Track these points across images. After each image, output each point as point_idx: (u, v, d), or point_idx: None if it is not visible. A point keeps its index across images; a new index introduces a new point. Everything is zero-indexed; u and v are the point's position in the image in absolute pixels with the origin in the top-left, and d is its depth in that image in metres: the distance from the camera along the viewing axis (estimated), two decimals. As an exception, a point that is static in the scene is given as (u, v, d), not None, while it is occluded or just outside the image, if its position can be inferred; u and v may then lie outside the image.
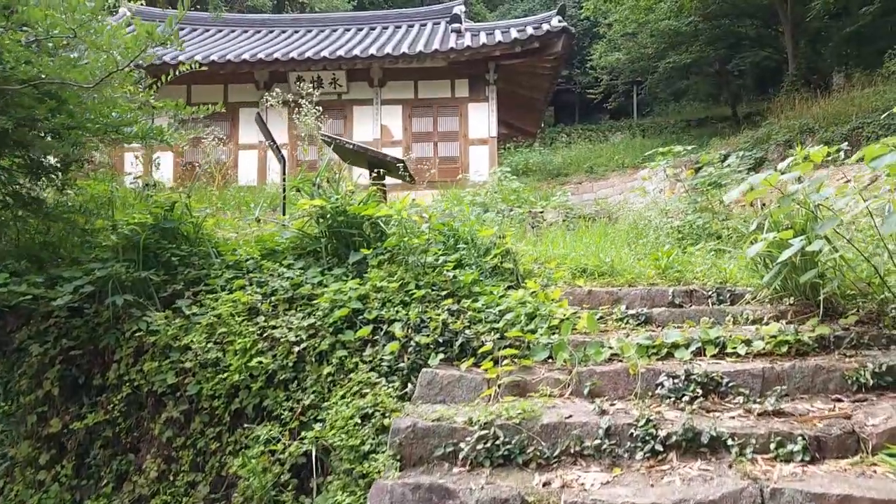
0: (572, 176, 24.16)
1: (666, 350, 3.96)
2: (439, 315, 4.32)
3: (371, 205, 5.21)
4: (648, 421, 3.24)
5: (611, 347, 4.03)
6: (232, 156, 16.93)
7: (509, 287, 5.04)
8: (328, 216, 5.08)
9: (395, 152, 16.82)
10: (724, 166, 10.40)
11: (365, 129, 16.87)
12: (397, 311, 4.41)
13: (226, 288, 4.82)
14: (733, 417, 3.33)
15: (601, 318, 4.61)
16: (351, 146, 5.75)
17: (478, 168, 16.62)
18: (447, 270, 4.83)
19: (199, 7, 24.73)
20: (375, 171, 6.11)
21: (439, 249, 5.12)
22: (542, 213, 13.60)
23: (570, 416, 3.36)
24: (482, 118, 16.79)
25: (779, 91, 22.55)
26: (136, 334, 4.61)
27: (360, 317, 4.44)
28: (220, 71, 16.20)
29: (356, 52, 16.02)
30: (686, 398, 3.49)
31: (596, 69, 26.07)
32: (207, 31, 19.40)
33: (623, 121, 28.85)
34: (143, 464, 4.47)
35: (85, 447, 4.70)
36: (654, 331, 4.39)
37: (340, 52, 15.99)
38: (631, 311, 4.59)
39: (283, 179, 6.76)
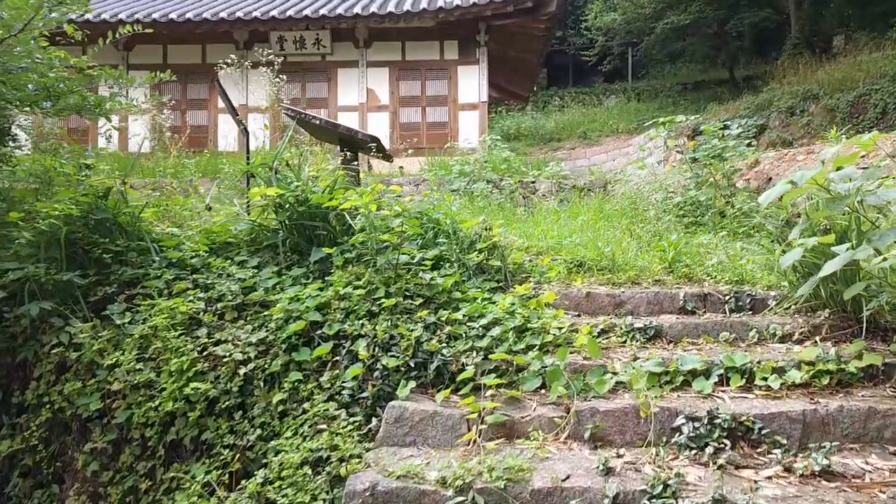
0: (565, 141, 23.30)
1: (682, 378, 3.26)
2: (412, 331, 3.60)
3: (338, 192, 4.44)
4: (666, 486, 2.54)
5: (615, 373, 3.33)
6: (211, 119, 16.05)
7: (496, 289, 4.32)
8: (287, 206, 4.32)
9: (382, 117, 16.00)
10: (726, 136, 9.65)
11: (350, 92, 15.97)
12: (362, 325, 3.69)
13: (165, 291, 4.09)
14: (770, 478, 2.64)
15: (603, 331, 3.89)
16: (317, 122, 4.97)
17: (467, 134, 15.79)
18: (423, 271, 4.10)
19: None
20: (344, 149, 5.30)
21: (415, 246, 4.38)
22: (533, 182, 12.83)
23: (568, 475, 2.66)
24: (472, 82, 15.89)
25: (779, 54, 21.67)
26: (57, 348, 3.89)
27: (320, 331, 3.72)
28: (196, 30, 15.22)
29: (340, 10, 15.04)
30: (710, 449, 2.79)
31: (591, 30, 24.98)
32: (185, -13, 18.28)
33: (618, 84, 27.84)
34: (66, 500, 3.79)
35: (4, 474, 4.01)
36: (665, 349, 3.69)
37: (324, 11, 15.01)
38: (637, 324, 3.87)
39: (247, 154, 5.96)
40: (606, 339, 3.83)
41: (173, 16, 14.81)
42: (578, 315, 4.27)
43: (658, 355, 3.47)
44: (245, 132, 6.18)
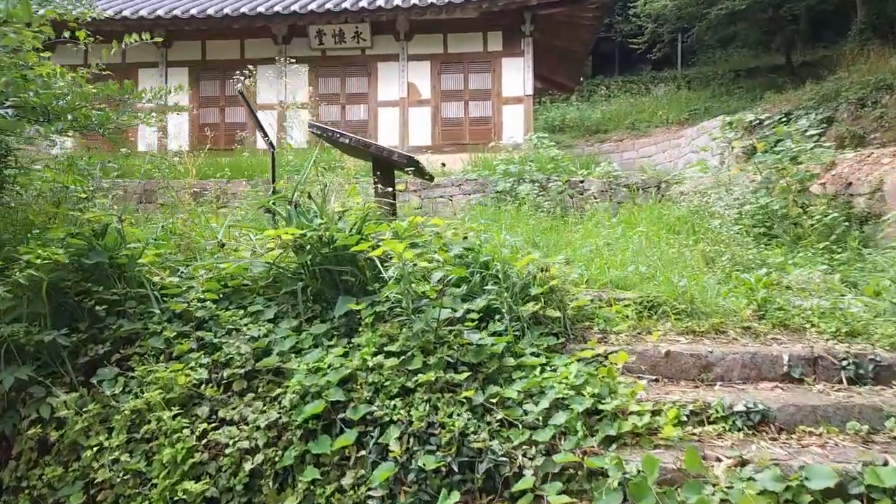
0: (612, 132, 22.23)
1: (809, 500, 2.46)
2: (455, 418, 2.85)
3: (368, 228, 3.70)
4: None
5: (716, 485, 2.54)
6: (248, 116, 15.45)
7: (556, 347, 3.55)
8: (309, 248, 3.59)
9: (423, 112, 15.21)
10: (795, 132, 8.67)
11: (390, 87, 15.21)
12: (394, 408, 2.95)
13: (166, 352, 3.41)
14: None
15: (692, 412, 3.08)
16: (347, 140, 4.23)
17: (511, 129, 14.93)
18: (469, 329, 3.35)
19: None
20: (378, 172, 4.52)
21: (459, 293, 3.62)
22: (582, 182, 11.95)
23: None
24: (517, 74, 14.99)
25: (839, 39, 20.26)
26: (37, 425, 3.24)
27: (343, 414, 2.99)
28: (233, 25, 14.61)
29: (380, 2, 14.26)
30: None
31: (640, 17, 23.75)
32: (224, -20, 17.69)
33: (666, 71, 26.54)
34: None
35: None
36: (776, 442, 2.87)
37: (363, 3, 14.25)
38: (737, 405, 3.04)
39: (272, 172, 5.24)
40: (698, 425, 3.02)
41: (211, 11, 14.22)
42: (657, 379, 3.48)
43: (770, 455, 2.66)
44: (271, 146, 5.49)
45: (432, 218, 3.98)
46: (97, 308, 3.53)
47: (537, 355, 3.36)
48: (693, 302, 4.22)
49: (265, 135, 5.23)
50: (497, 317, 3.60)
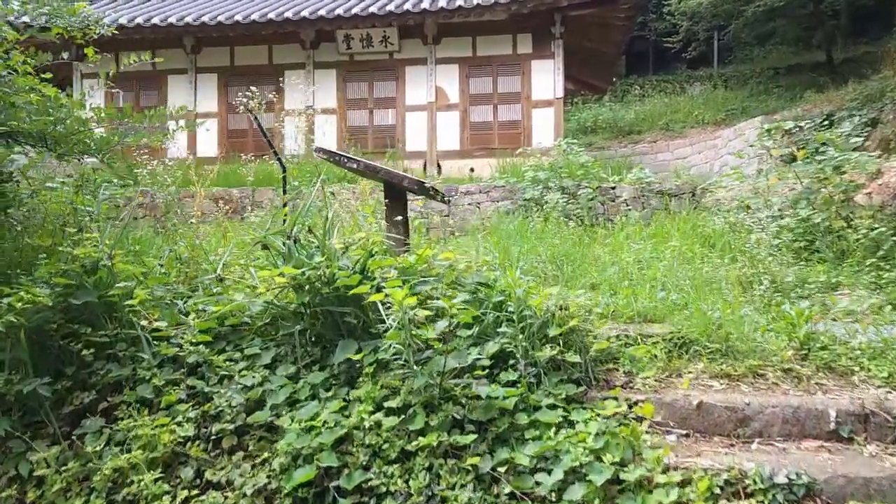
0: (646, 133, 21.66)
1: None
2: (458, 490, 2.54)
3: (374, 264, 3.40)
4: None
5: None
6: (277, 122, 15.29)
7: (575, 397, 3.21)
8: (308, 287, 3.31)
9: (451, 117, 14.89)
10: (837, 137, 8.16)
11: (418, 91, 14.92)
12: (392, 475, 2.65)
13: (151, 403, 3.16)
14: None
15: (727, 482, 2.72)
16: (355, 165, 3.94)
17: (541, 133, 14.54)
18: (478, 379, 3.04)
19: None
20: (389, 196, 4.20)
21: (468, 335, 3.30)
22: (613, 189, 11.53)
23: None
24: (547, 77, 14.59)
25: (886, 33, 19.46)
26: (16, 482, 3.01)
27: (336, 481, 2.70)
28: (261, 31, 14.46)
29: (407, 6, 13.97)
30: None
31: (674, 15, 23.12)
32: (253, -14, 17.57)
33: (702, 70, 25.83)
34: None
35: None
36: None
37: (390, 7, 13.98)
38: (778, 477, 2.67)
39: (284, 191, 4.96)
40: (733, 497, 2.67)
41: (238, 17, 14.07)
42: (687, 434, 3.13)
43: (817, 543, 2.31)
44: (283, 168, 5.22)
45: (443, 251, 3.66)
46: (84, 352, 3.29)
47: (554, 408, 3.04)
48: (728, 339, 3.85)
49: (275, 154, 4.96)
50: (511, 362, 3.28)
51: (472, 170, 14.51)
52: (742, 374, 3.58)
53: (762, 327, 4.04)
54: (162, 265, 4.37)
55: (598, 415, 2.95)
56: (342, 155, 4.10)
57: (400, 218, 3.93)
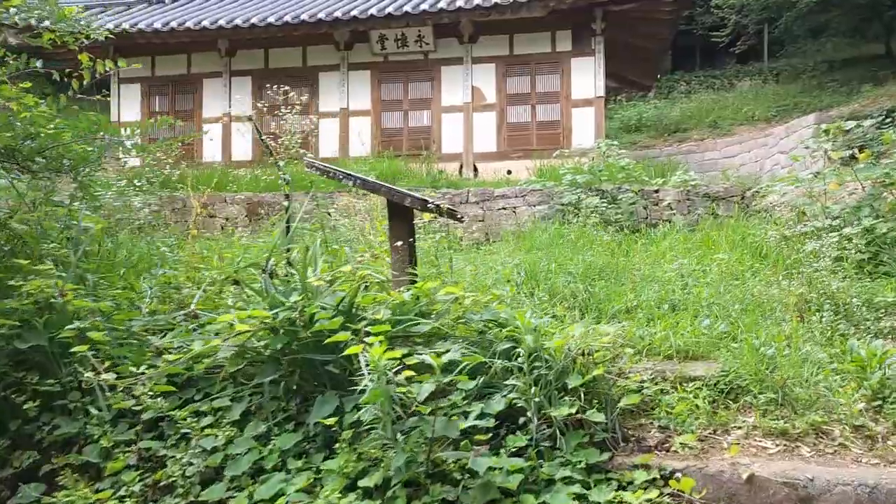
0: (693, 131, 20.72)
1: None
2: None
3: (365, 299, 2.87)
4: None
5: None
6: (313, 125, 14.92)
7: (598, 462, 2.63)
8: (284, 330, 2.79)
9: (488, 117, 14.29)
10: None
11: (454, 92, 14.36)
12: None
13: (97, 468, 2.68)
14: None
15: None
16: (351, 181, 3.39)
17: (581, 133, 13.84)
18: (479, 443, 2.48)
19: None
20: (393, 216, 3.64)
21: (469, 388, 2.74)
22: (657, 192, 10.79)
23: None
24: (587, 75, 13.88)
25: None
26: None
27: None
28: (294, 32, 14.08)
29: (442, 4, 13.42)
30: None
31: (722, 8, 22.06)
32: (288, -13, 17.23)
33: (752, 65, 24.64)
34: None
35: None
36: None
37: (424, 6, 13.46)
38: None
39: (286, 211, 4.44)
40: None
41: (271, 19, 13.72)
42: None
43: None
44: (286, 182, 4.71)
45: (447, 285, 3.10)
46: (29, 405, 2.82)
47: (571, 481, 2.46)
48: (785, 385, 3.21)
49: (279, 168, 4.45)
50: (522, 420, 2.71)
51: (509, 172, 13.90)
52: (802, 433, 2.95)
53: (825, 370, 3.38)
54: (152, 288, 3.92)
55: (623, 499, 2.36)
56: (336, 170, 3.57)
57: (401, 243, 3.38)
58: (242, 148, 15.01)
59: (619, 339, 3.39)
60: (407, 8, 13.42)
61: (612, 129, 22.19)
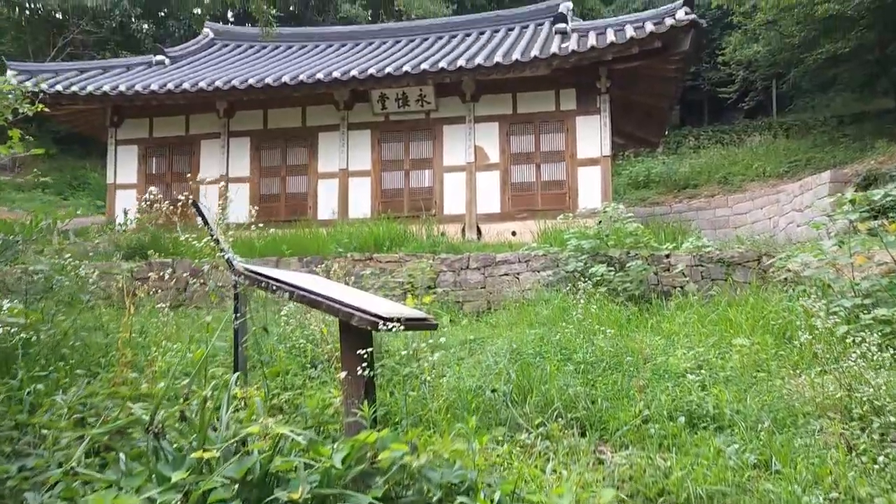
0: (702, 187, 20.14)
1: None
2: None
3: (284, 465, 2.17)
4: None
5: None
6: (311, 186, 14.44)
7: None
8: None
9: (491, 177, 13.73)
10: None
11: (457, 151, 13.86)
12: None
13: None
14: None
15: None
16: (287, 294, 2.71)
17: (588, 193, 13.24)
18: None
19: (294, 22, 22.50)
20: (345, 333, 2.92)
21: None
22: (668, 258, 10.08)
23: None
24: (593, 134, 13.34)
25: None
26: None
27: None
28: (293, 93, 13.70)
29: (442, 63, 13.01)
30: None
31: (729, 64, 21.68)
32: (290, 47, 17.01)
33: (761, 119, 24.15)
34: None
35: None
36: None
37: (425, 66, 13.04)
38: None
39: (236, 310, 3.76)
40: None
41: (269, 80, 13.34)
42: None
43: None
44: (230, 264, 4.04)
45: (395, 442, 2.40)
46: None
47: None
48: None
49: (223, 252, 3.80)
50: None
51: (513, 233, 13.29)
52: None
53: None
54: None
55: None
56: (270, 278, 2.91)
57: (350, 374, 2.67)
58: (240, 210, 14.47)
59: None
60: (407, 68, 13.01)
61: (620, 185, 21.64)
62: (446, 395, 3.86)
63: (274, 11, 24.83)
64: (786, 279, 8.30)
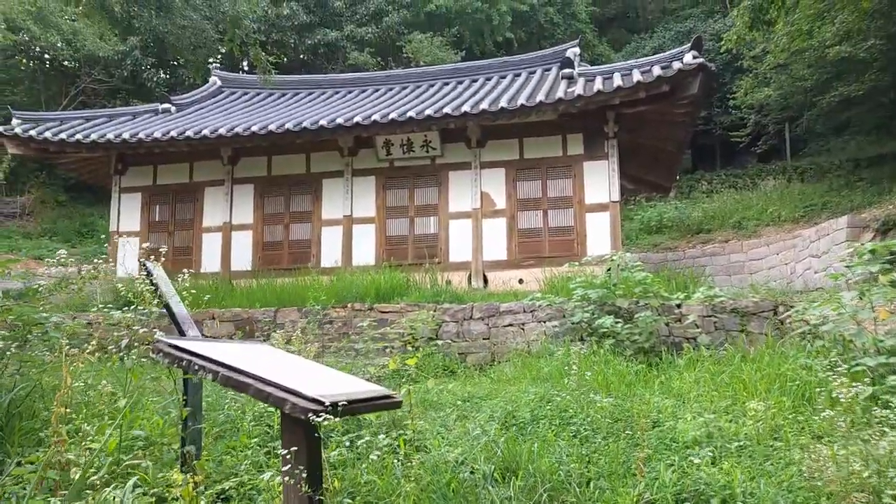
0: (716, 232, 19.68)
1: None
2: None
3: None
4: None
5: None
6: (314, 233, 14.16)
7: None
8: None
9: (498, 224, 13.36)
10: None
11: (462, 197, 13.55)
12: None
13: None
14: None
15: None
16: (211, 375, 2.32)
17: (596, 240, 12.83)
18: None
19: (305, 69, 22.58)
20: (284, 425, 2.50)
21: None
22: (679, 308, 9.61)
23: None
24: (601, 179, 12.99)
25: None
26: None
27: None
28: (297, 140, 13.51)
29: (447, 109, 12.79)
30: None
31: (741, 108, 21.38)
32: (297, 94, 16.93)
33: (774, 163, 23.72)
34: None
35: None
36: None
37: (429, 111, 12.82)
38: None
39: (184, 401, 3.31)
40: None
41: (272, 127, 13.17)
42: None
43: None
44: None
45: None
46: None
47: None
48: None
49: (182, 334, 3.39)
50: None
51: (520, 281, 12.87)
52: None
53: None
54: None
55: None
56: (192, 361, 2.50)
57: (292, 469, 2.25)
58: (243, 257, 14.22)
59: None
60: (411, 114, 12.80)
61: (632, 231, 21.23)
62: (422, 475, 3.42)
63: (284, 59, 25.04)
64: (804, 333, 7.79)
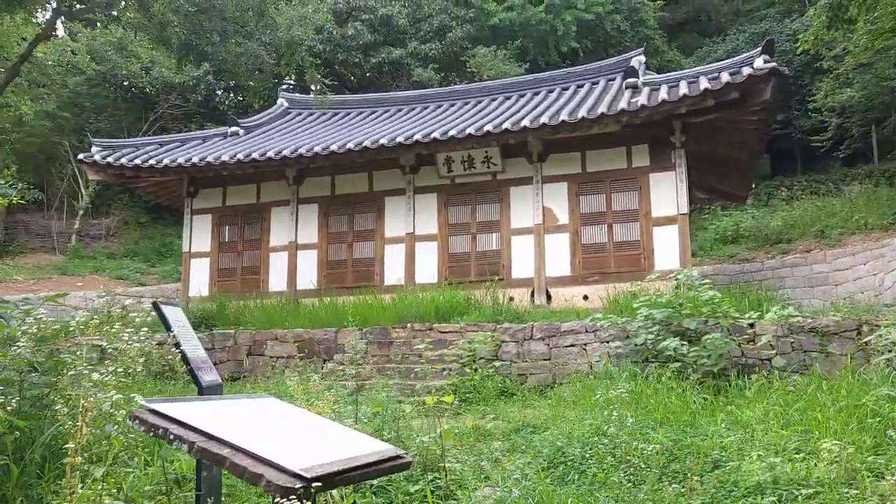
0: (797, 241, 18.59)
1: None
2: None
3: None
4: None
5: None
6: (377, 251, 14.13)
7: None
8: None
9: (561, 239, 12.99)
10: None
11: (524, 213, 13.24)
12: None
13: None
14: None
15: None
16: (185, 445, 2.11)
17: (664, 254, 12.28)
18: None
19: (371, 88, 22.76)
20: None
21: None
22: (751, 327, 9.02)
23: None
24: (668, 191, 12.44)
25: None
26: None
27: None
28: (358, 159, 13.52)
29: (506, 124, 12.53)
30: None
31: (821, 111, 20.23)
32: (360, 113, 17.02)
33: (860, 167, 22.32)
34: None
35: None
36: None
37: (488, 127, 12.59)
38: None
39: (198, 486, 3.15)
40: None
41: (334, 147, 13.23)
42: None
43: None
44: (191, 371, 3.51)
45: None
46: None
47: None
48: None
49: (195, 381, 3.26)
50: None
51: (585, 297, 12.46)
52: None
53: None
54: None
55: None
56: (167, 427, 2.29)
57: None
58: (308, 276, 14.32)
59: None
60: (470, 130, 12.61)
61: (706, 241, 20.34)
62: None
63: (352, 78, 25.33)
64: (891, 359, 7.13)
